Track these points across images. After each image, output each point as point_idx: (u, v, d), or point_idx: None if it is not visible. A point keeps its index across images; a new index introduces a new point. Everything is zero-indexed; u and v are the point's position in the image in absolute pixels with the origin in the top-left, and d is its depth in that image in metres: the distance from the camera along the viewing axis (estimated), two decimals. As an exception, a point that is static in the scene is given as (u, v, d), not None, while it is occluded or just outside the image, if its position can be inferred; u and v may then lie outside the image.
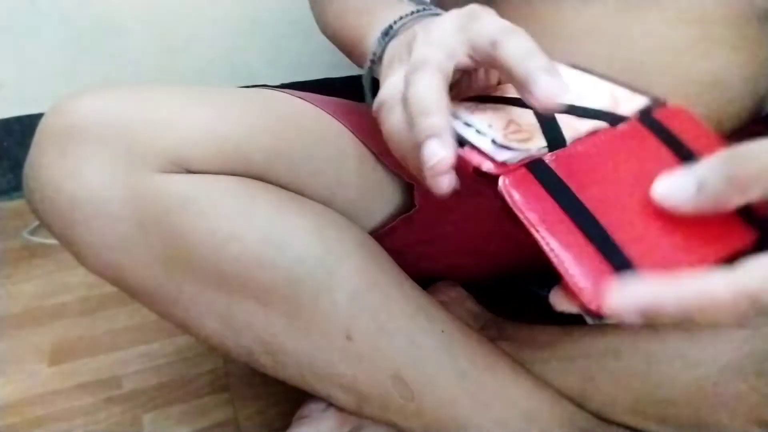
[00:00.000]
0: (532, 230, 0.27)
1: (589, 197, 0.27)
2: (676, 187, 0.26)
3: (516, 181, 0.28)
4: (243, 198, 0.46)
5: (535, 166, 0.29)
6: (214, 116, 0.47)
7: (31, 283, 0.85)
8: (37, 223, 0.94)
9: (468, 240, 0.58)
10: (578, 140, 0.30)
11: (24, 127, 1.04)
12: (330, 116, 0.52)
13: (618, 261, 0.26)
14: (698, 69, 0.42)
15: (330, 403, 0.54)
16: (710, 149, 0.28)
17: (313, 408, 0.56)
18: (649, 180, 0.27)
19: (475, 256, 0.60)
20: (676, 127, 0.31)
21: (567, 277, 0.25)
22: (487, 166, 0.29)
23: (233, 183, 0.46)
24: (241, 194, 0.46)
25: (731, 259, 0.26)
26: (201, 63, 1.11)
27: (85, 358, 0.73)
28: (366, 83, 0.44)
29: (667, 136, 0.30)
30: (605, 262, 0.26)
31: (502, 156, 0.29)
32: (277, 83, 0.58)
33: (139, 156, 0.44)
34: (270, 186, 0.48)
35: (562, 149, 0.30)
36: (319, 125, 0.51)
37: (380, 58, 0.42)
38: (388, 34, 0.42)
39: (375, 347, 0.48)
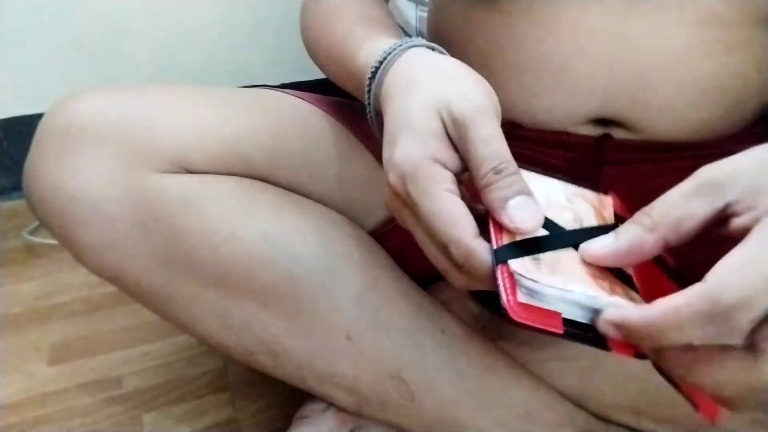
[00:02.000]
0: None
1: None
2: (598, 244, 0.31)
3: None
4: (243, 198, 0.46)
5: None
6: (214, 116, 0.47)
7: (31, 283, 0.85)
8: (37, 223, 0.94)
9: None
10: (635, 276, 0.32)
11: (24, 127, 1.04)
12: (330, 116, 0.52)
13: None
14: (701, 72, 0.42)
15: (330, 403, 0.54)
16: None
17: (313, 408, 0.56)
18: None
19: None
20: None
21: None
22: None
23: (233, 183, 0.46)
24: (241, 194, 0.46)
25: None
26: (201, 63, 1.11)
27: (85, 358, 0.73)
28: (372, 118, 0.43)
29: None
30: None
31: None
32: (277, 83, 0.58)
33: (139, 156, 0.44)
34: (270, 186, 0.48)
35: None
36: (319, 125, 0.51)
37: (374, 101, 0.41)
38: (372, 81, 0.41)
39: (375, 347, 0.48)
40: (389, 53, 0.40)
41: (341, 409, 0.54)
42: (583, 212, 0.35)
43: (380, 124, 0.39)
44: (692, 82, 0.42)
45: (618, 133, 0.45)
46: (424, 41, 0.41)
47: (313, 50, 0.53)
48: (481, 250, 0.30)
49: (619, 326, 0.27)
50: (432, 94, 0.35)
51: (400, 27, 0.94)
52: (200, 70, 1.11)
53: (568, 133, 0.45)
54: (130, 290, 0.48)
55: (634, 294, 0.31)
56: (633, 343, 0.28)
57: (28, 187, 0.46)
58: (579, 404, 0.51)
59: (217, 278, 0.46)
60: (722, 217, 0.28)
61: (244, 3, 1.09)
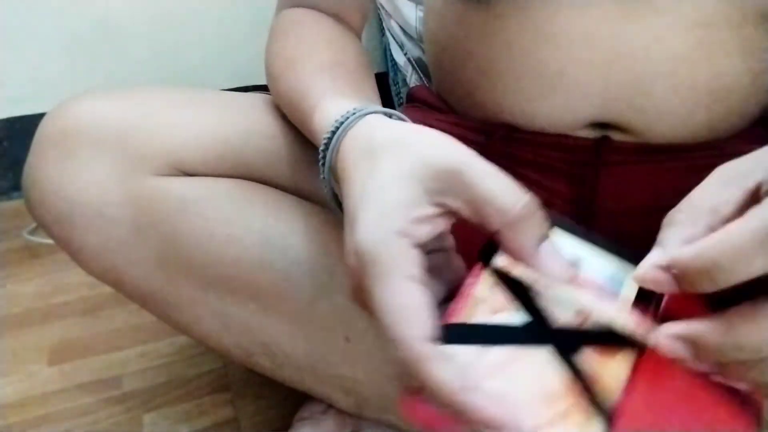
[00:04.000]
0: None
1: None
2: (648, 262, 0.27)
3: None
4: (241, 200, 0.46)
5: None
6: (212, 119, 0.47)
7: (31, 283, 0.85)
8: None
9: (467, 242, 0.58)
10: (620, 407, 0.27)
11: (24, 127, 1.04)
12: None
13: None
14: (699, 74, 0.42)
15: (330, 405, 0.54)
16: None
17: (313, 409, 0.56)
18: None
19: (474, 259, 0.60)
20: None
21: None
22: None
23: (232, 185, 0.46)
24: (239, 197, 0.46)
25: None
26: (201, 63, 1.11)
27: (85, 358, 0.73)
28: (328, 194, 0.39)
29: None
30: None
31: None
32: (277, 83, 0.59)
33: (138, 159, 0.44)
34: (268, 188, 0.48)
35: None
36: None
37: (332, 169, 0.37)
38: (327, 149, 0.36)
39: (374, 348, 0.48)
40: (341, 122, 0.35)
41: (341, 410, 0.54)
42: (604, 312, 0.28)
43: (340, 203, 0.35)
44: (690, 85, 0.42)
45: (616, 136, 0.45)
46: (381, 108, 0.37)
47: (272, 85, 0.49)
48: (426, 358, 0.25)
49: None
50: (402, 161, 0.30)
51: (401, 27, 0.94)
52: (200, 70, 1.11)
53: (566, 136, 0.45)
54: (128, 293, 0.48)
55: (598, 418, 0.26)
56: None
57: (28, 190, 0.46)
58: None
59: (215, 280, 0.46)
60: (755, 198, 0.26)
61: (244, 3, 1.09)
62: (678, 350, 0.26)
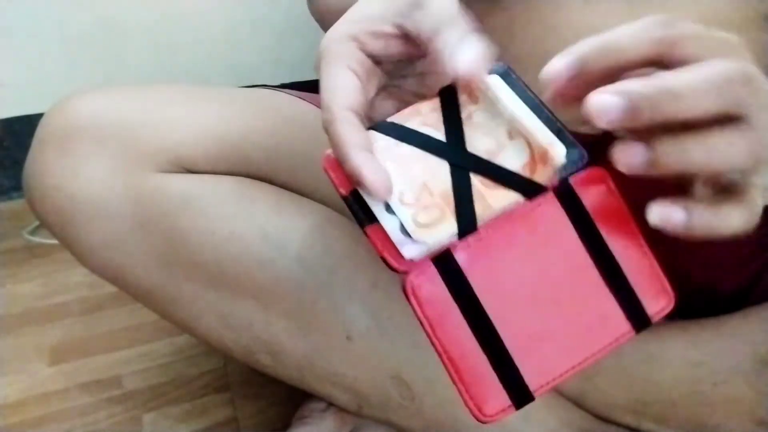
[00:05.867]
0: (430, 337, 0.29)
1: (492, 299, 0.29)
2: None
3: (421, 283, 0.29)
4: (243, 198, 0.46)
5: (442, 262, 0.29)
6: (213, 116, 0.47)
7: (31, 283, 0.85)
8: (37, 223, 0.94)
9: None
10: (489, 224, 0.29)
11: (24, 127, 1.04)
12: (330, 116, 0.52)
13: (512, 384, 0.30)
14: None
15: (330, 404, 0.54)
16: (620, 233, 0.30)
17: (313, 408, 0.56)
18: (550, 270, 0.29)
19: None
20: (591, 201, 0.31)
21: (458, 389, 0.30)
22: (393, 263, 0.29)
23: (233, 183, 0.46)
24: (240, 194, 0.46)
25: (611, 351, 0.29)
26: (201, 63, 1.11)
27: (85, 358, 0.73)
28: None
29: (579, 215, 0.30)
30: (498, 385, 0.30)
31: (409, 252, 0.29)
32: (277, 83, 0.58)
33: (139, 156, 0.44)
34: (270, 186, 0.48)
35: (472, 237, 0.29)
36: (318, 124, 0.51)
37: None
38: None
39: (375, 347, 0.48)
40: None
41: (341, 409, 0.54)
42: (511, 151, 0.30)
43: None
44: None
45: (620, 131, 0.45)
46: None
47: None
48: (339, 118, 0.30)
49: (626, 93, 0.26)
50: None
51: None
52: (200, 70, 1.11)
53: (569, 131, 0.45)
54: (130, 290, 0.48)
55: (456, 221, 0.29)
56: (389, 252, 0.29)
57: (28, 187, 0.46)
58: (579, 404, 0.51)
59: (216, 278, 0.46)
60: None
61: (244, 3, 1.09)
62: (611, 104, 0.27)
